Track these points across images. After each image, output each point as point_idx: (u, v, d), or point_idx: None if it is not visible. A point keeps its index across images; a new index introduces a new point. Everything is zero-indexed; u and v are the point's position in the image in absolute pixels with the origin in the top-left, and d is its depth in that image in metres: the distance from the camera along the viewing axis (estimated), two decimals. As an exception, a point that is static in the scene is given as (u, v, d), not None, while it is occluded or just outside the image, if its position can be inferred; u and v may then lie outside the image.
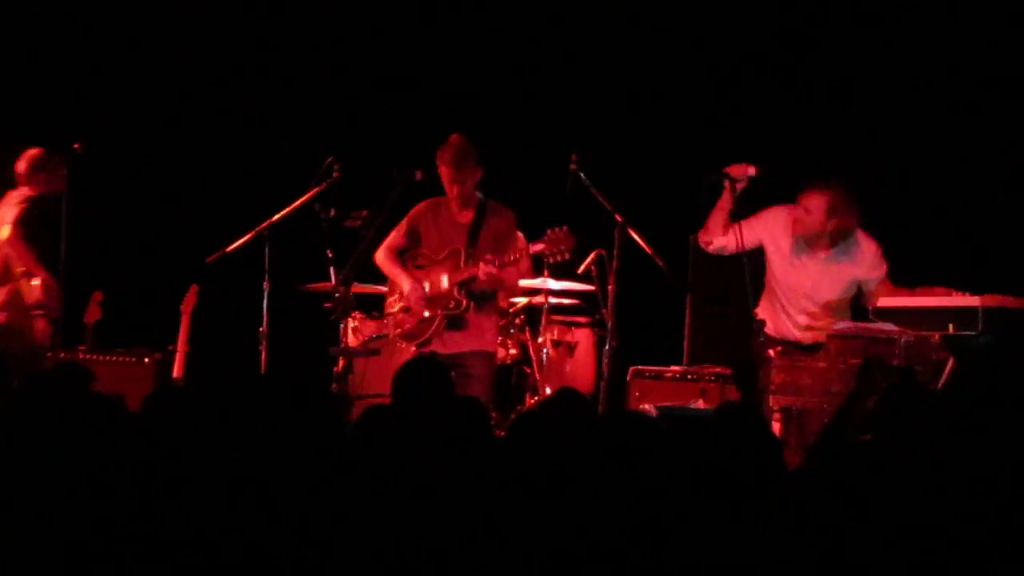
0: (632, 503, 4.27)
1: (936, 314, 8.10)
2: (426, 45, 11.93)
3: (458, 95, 11.69)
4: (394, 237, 9.37)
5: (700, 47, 11.22)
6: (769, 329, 8.66)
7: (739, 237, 8.56)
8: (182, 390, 9.08)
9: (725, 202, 8.72)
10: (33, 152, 9.91)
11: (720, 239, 8.78)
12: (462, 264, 9.09)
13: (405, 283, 9.24)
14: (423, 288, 9.16)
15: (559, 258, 8.98)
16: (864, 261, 8.67)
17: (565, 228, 8.83)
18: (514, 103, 11.58)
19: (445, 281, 9.12)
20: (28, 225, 9.66)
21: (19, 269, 9.64)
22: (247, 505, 4.51)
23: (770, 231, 8.79)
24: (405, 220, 9.36)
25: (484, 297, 9.18)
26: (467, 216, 9.22)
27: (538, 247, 8.92)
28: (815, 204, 8.58)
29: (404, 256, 9.35)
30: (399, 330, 9.35)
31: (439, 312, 9.12)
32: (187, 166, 12.03)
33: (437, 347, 9.11)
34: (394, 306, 9.41)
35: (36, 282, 9.66)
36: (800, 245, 8.70)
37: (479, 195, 9.23)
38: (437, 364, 6.92)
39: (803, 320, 8.70)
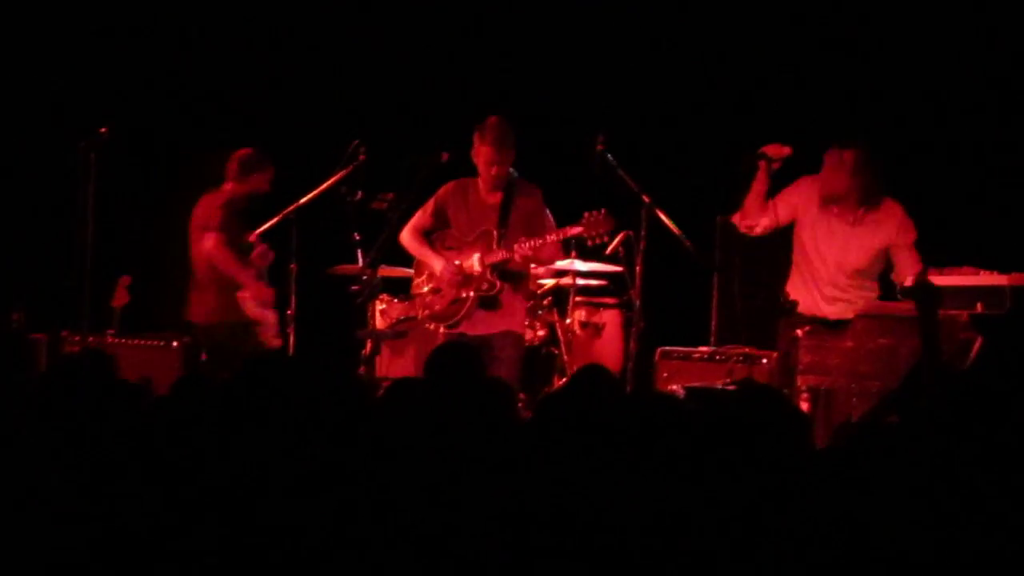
0: (659, 482, 4.27)
1: (963, 293, 8.05)
2: (451, 25, 11.92)
3: (484, 76, 11.68)
4: (420, 218, 9.34)
5: (727, 27, 11.19)
6: (798, 307, 8.67)
7: (775, 213, 8.66)
8: (207, 377, 9.10)
9: (760, 183, 8.73)
10: (244, 152, 9.82)
11: (763, 220, 8.77)
12: (494, 246, 9.06)
13: (436, 263, 9.21)
14: (456, 267, 9.13)
15: (598, 241, 8.96)
16: (892, 224, 8.61)
17: (603, 211, 8.80)
18: (541, 84, 11.57)
19: (477, 263, 9.07)
20: (229, 231, 9.57)
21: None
22: (273, 489, 4.51)
23: (802, 199, 8.75)
24: (431, 201, 9.32)
25: (517, 278, 9.16)
26: (496, 197, 9.18)
27: (576, 230, 8.89)
28: (842, 159, 8.58)
29: (431, 237, 9.32)
30: (428, 311, 9.32)
31: (472, 294, 9.10)
32: (214, 150, 12.04)
33: (466, 328, 9.09)
34: (422, 287, 9.38)
35: (246, 296, 9.64)
36: (828, 209, 8.66)
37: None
38: (470, 349, 6.90)
39: (830, 292, 8.64)
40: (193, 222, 9.73)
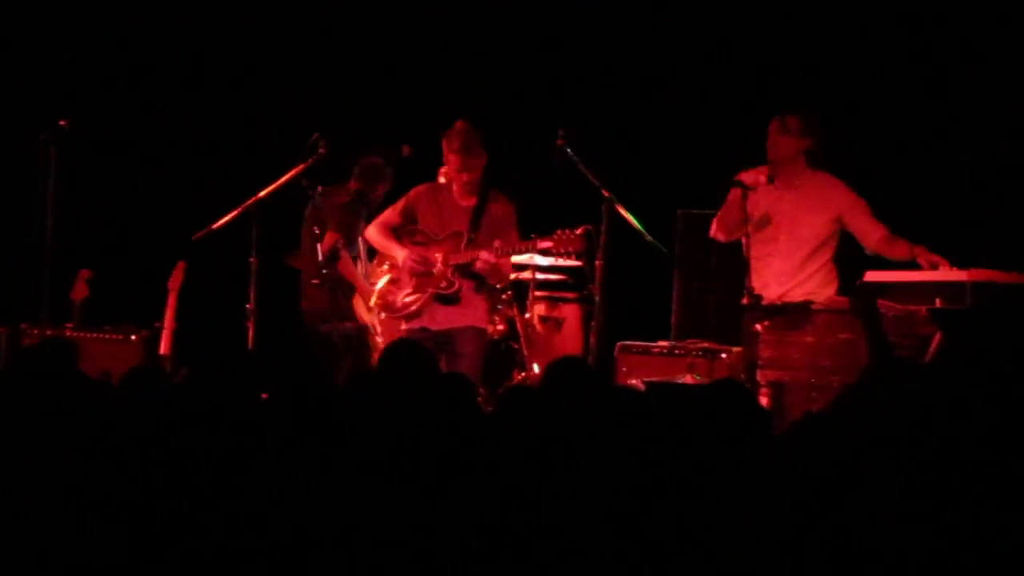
0: (623, 474, 4.28)
1: (923, 289, 8.10)
2: (411, 20, 11.91)
3: (444, 71, 11.68)
4: (389, 214, 9.34)
5: (683, 22, 11.21)
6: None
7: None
8: (160, 368, 9.07)
9: (737, 208, 8.66)
10: (370, 159, 9.52)
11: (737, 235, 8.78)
12: (462, 247, 9.05)
13: (399, 253, 9.19)
14: (419, 255, 9.10)
15: (566, 259, 8.96)
16: (837, 191, 8.73)
17: (579, 232, 8.78)
18: (501, 79, 11.57)
19: (439, 261, 9.06)
20: (348, 232, 9.46)
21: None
22: (236, 479, 4.51)
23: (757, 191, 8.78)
24: (403, 200, 9.31)
25: (478, 278, 9.14)
26: (470, 201, 9.17)
27: (546, 244, 8.86)
28: (786, 124, 8.73)
29: (400, 233, 9.29)
30: (381, 301, 9.33)
31: (429, 290, 9.09)
32: (174, 143, 12.02)
33: (426, 322, 9.10)
34: (381, 276, 9.39)
35: (357, 300, 9.62)
36: (778, 181, 8.71)
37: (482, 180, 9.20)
38: (421, 344, 6.88)
39: (781, 267, 8.68)
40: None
